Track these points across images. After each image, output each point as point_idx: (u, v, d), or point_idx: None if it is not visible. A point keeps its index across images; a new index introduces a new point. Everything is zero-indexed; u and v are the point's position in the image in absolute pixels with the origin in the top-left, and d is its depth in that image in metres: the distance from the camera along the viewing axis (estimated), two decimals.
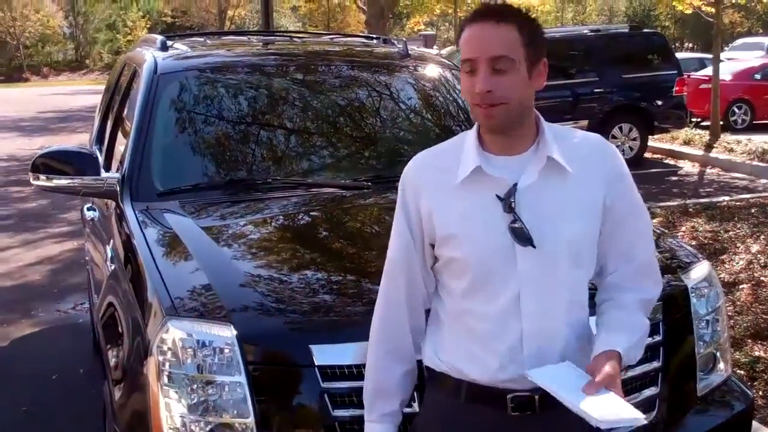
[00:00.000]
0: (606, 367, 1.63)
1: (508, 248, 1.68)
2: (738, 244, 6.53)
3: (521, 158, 1.71)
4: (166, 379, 2.10)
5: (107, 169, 3.68)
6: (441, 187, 1.75)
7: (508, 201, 1.67)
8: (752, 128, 15.38)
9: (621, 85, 11.85)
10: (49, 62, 47.65)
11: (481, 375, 1.73)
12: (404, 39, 5.04)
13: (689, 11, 15.21)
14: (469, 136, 1.76)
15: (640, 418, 1.56)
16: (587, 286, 1.81)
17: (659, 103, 12.02)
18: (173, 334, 2.12)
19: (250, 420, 2.06)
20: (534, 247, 1.66)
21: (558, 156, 1.70)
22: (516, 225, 1.67)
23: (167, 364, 2.11)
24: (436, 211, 1.75)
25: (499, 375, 1.72)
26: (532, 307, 1.70)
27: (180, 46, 4.11)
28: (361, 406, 2.05)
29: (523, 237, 1.66)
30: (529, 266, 1.69)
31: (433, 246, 1.79)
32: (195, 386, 2.08)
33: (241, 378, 2.07)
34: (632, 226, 1.81)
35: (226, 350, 2.09)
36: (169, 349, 2.12)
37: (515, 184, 1.68)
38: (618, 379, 1.63)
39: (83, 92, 29.98)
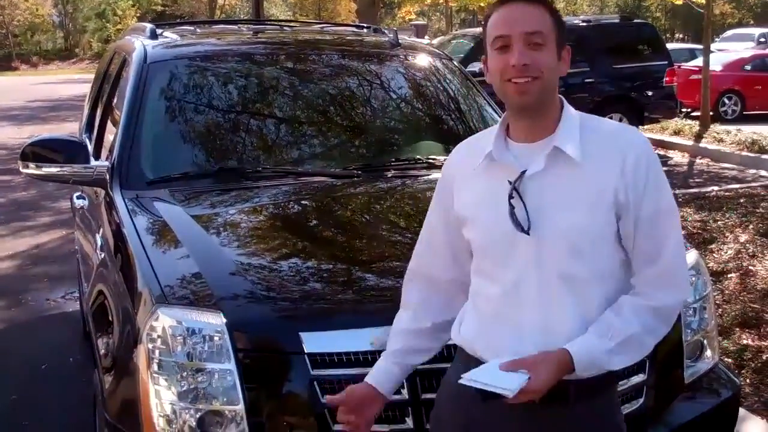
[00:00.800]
0: (536, 356, 1.64)
1: (511, 234, 1.68)
2: (727, 234, 6.56)
3: (538, 145, 1.71)
4: (156, 367, 2.11)
5: (97, 157, 3.67)
6: (466, 170, 1.80)
7: (512, 187, 1.68)
8: (742, 119, 15.41)
9: (611, 76, 11.85)
10: (38, 51, 47.33)
11: (485, 353, 1.74)
12: (395, 29, 5.03)
13: (680, 2, 15.26)
14: (499, 122, 1.79)
15: (506, 390, 1.58)
16: (606, 283, 1.70)
17: (650, 93, 12.02)
18: (163, 321, 2.13)
19: (240, 407, 2.06)
20: (528, 234, 1.66)
21: (567, 146, 1.67)
22: (514, 211, 1.67)
23: (157, 351, 2.11)
24: (459, 193, 1.82)
25: (502, 356, 1.70)
26: (531, 294, 1.69)
27: (170, 35, 4.09)
28: None
29: (517, 223, 1.67)
30: (528, 253, 1.68)
31: None
32: (185, 374, 2.09)
33: (231, 365, 2.07)
34: (654, 228, 1.69)
35: (216, 338, 2.09)
36: (158, 336, 2.12)
37: (524, 172, 1.69)
38: (537, 367, 1.61)
39: (73, 81, 29.78)
